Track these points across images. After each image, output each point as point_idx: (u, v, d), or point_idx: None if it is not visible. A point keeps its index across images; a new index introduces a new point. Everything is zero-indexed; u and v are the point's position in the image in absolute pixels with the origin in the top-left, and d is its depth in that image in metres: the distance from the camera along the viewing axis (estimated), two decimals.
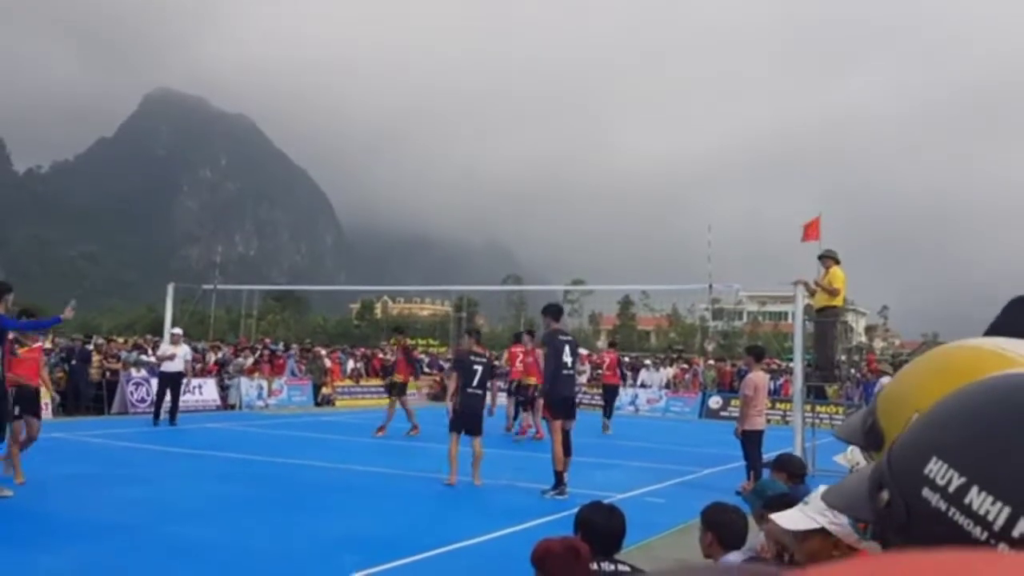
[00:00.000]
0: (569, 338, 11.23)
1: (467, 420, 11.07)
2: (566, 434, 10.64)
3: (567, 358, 10.69)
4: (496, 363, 17.40)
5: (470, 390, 11.14)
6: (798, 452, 10.93)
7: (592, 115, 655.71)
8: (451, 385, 11.62)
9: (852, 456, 3.16)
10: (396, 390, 17.31)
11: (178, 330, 18.46)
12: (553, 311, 11.23)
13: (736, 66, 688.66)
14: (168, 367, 17.71)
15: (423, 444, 15.67)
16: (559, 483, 10.48)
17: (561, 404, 10.67)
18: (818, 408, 16.93)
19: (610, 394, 20.65)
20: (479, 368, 11.24)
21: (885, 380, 16.67)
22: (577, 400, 11.70)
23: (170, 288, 20.17)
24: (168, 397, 17.68)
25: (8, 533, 7.54)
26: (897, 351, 62.93)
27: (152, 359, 20.40)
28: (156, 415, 17.74)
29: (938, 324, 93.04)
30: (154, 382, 19.01)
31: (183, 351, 17.95)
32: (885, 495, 0.73)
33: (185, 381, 18.03)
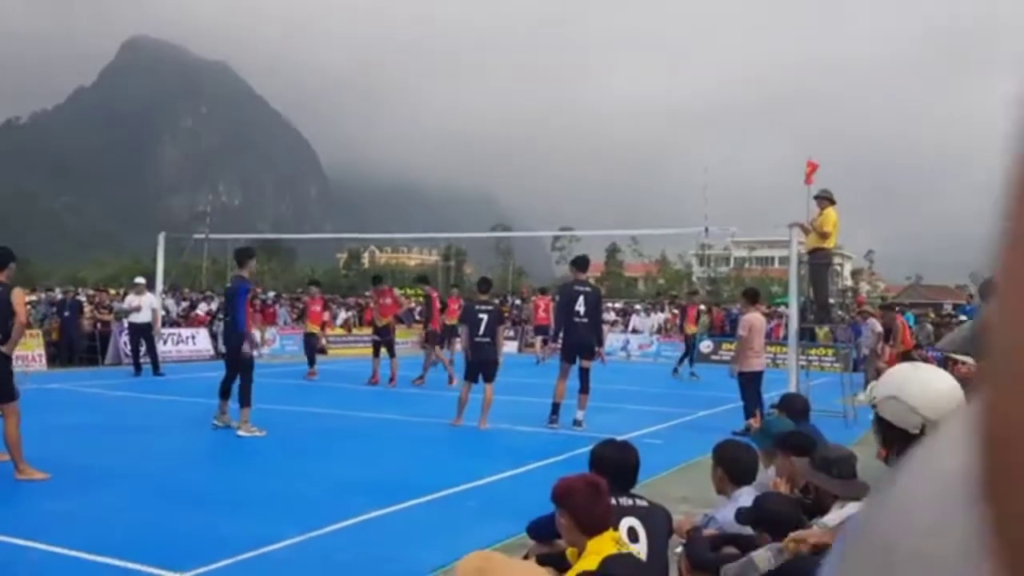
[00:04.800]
0: (587, 289, 11.76)
1: (479, 367, 11.50)
2: (585, 371, 11.50)
3: (580, 307, 11.38)
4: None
5: (477, 339, 11.53)
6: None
7: (578, 60, 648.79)
8: (463, 337, 12.07)
9: (872, 394, 3.32)
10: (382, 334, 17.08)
11: (141, 280, 18.16)
12: (576, 262, 12.20)
13: (725, 8, 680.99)
14: (135, 318, 17.45)
15: (424, 391, 15.83)
16: (553, 413, 11.44)
17: (571, 348, 11.52)
18: (808, 351, 17.14)
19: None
20: (484, 316, 11.57)
21: (873, 322, 16.84)
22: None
23: (161, 238, 20.02)
24: (144, 348, 17.56)
25: (15, 481, 7.59)
26: (883, 294, 63.40)
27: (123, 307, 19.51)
28: (136, 366, 17.60)
29: (921, 267, 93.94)
30: (125, 336, 18.88)
31: (148, 301, 17.58)
32: None
33: (156, 330, 17.67)
